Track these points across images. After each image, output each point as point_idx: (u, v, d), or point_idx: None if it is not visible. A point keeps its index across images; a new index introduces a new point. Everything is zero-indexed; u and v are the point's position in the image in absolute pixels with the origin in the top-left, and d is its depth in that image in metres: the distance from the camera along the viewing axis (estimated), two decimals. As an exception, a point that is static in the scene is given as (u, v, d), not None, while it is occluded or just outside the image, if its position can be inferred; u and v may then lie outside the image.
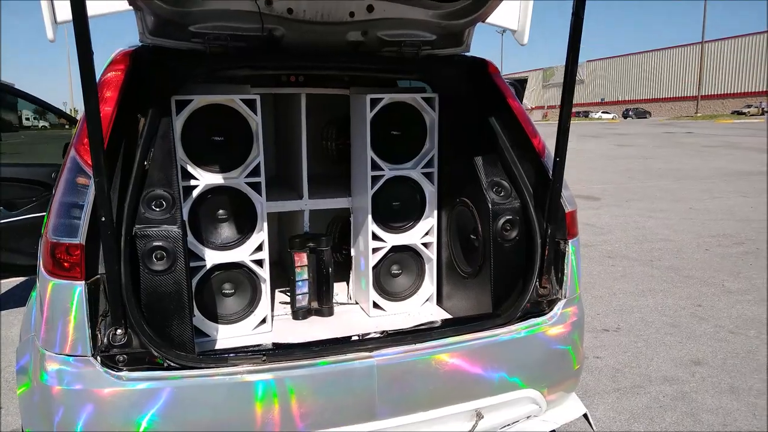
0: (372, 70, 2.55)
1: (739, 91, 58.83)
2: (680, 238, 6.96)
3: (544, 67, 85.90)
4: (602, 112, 70.26)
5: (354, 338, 2.03)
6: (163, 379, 1.79)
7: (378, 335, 2.05)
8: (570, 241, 2.29)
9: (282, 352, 1.91)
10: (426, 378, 2.00)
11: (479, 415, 2.09)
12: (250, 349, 1.96)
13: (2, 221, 3.67)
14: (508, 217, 2.31)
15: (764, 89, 54.70)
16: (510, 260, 2.32)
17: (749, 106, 51.67)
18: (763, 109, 49.24)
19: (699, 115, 54.41)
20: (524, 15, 2.68)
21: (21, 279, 4.63)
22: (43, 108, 4.16)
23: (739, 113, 51.14)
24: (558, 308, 2.25)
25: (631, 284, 5.16)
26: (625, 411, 3.01)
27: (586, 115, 71.76)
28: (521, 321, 2.19)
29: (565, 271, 2.27)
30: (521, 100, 4.47)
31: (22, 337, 2.11)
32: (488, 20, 2.50)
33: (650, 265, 5.76)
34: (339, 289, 3.05)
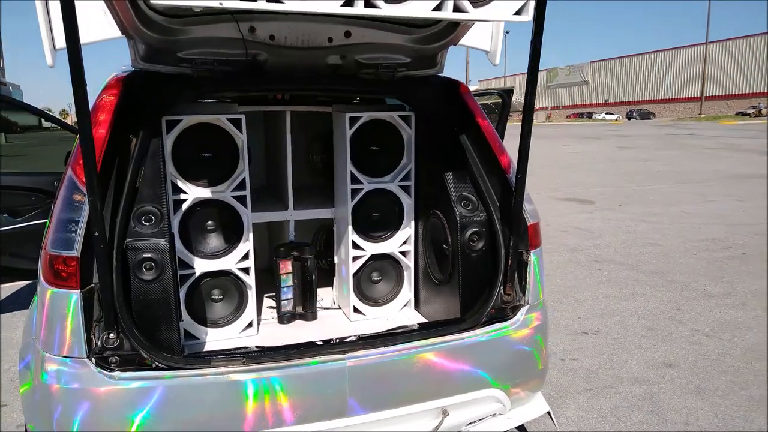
0: (350, 91, 2.72)
1: (743, 92, 58.74)
2: (669, 242, 7.10)
3: (547, 68, 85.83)
4: (606, 113, 70.23)
5: (329, 342, 2.21)
6: (152, 379, 1.96)
7: (351, 339, 2.22)
8: (532, 251, 2.46)
9: (260, 354, 2.08)
10: (394, 378, 2.17)
11: (445, 413, 2.26)
12: (232, 351, 2.14)
13: (6, 228, 3.86)
14: (474, 229, 2.48)
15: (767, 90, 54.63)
16: (477, 269, 2.49)
17: (754, 107, 51.64)
18: (761, 110, 49.18)
19: (703, 116, 54.37)
20: (496, 37, 2.86)
21: (24, 282, 4.82)
22: (42, 118, 4.33)
23: (744, 114, 51.12)
24: (521, 314, 2.42)
25: (615, 288, 5.32)
26: (594, 410, 3.17)
27: (589, 116, 71.73)
28: (486, 325, 2.36)
29: (528, 280, 2.43)
30: (509, 111, 4.65)
31: (24, 340, 2.29)
32: (461, 42, 2.68)
33: (636, 270, 5.91)
34: (324, 294, 3.23)
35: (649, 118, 63.01)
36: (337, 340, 2.20)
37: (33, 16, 2.29)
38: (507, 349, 2.39)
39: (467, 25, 2.44)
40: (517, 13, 1.79)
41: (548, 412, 2.55)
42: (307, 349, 2.13)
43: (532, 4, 1.78)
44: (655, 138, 28.23)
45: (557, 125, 60.08)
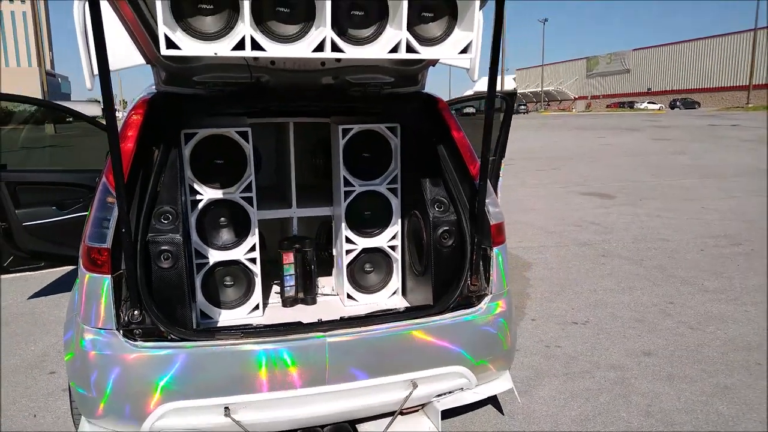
0: (342, 107, 3.12)
1: (794, 81, 56.60)
2: (679, 238, 7.27)
3: (588, 56, 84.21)
4: (648, 103, 68.61)
5: (314, 322, 2.62)
6: (168, 348, 2.41)
7: (333, 320, 2.63)
8: (496, 247, 2.81)
9: (255, 331, 2.51)
10: (369, 354, 2.56)
11: (414, 385, 2.65)
12: (234, 327, 2.57)
13: (55, 219, 4.40)
14: (445, 228, 2.85)
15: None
16: (447, 263, 2.87)
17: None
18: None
19: (750, 105, 52.68)
20: (475, 54, 3.19)
21: (70, 267, 5.39)
22: (77, 118, 4.78)
23: (793, 104, 49.31)
24: (485, 302, 2.78)
25: (614, 282, 5.58)
26: (566, 392, 3.50)
27: (631, 105, 70.19)
28: (454, 311, 2.73)
29: (492, 272, 2.79)
30: (512, 113, 4.97)
31: (67, 316, 2.77)
32: (443, 61, 3.03)
33: (639, 264, 6.15)
34: (326, 283, 3.65)
35: (694, 108, 61.37)
36: (321, 321, 2.61)
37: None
38: (473, 331, 2.76)
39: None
40: (463, 51, 2.14)
41: (512, 389, 2.92)
42: (295, 327, 2.55)
43: (474, 44, 2.13)
44: (693, 129, 27.71)
45: (596, 115, 59.12)
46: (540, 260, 6.40)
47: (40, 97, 40.21)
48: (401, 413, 2.77)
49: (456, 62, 3.18)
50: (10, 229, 4.26)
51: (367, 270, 3.37)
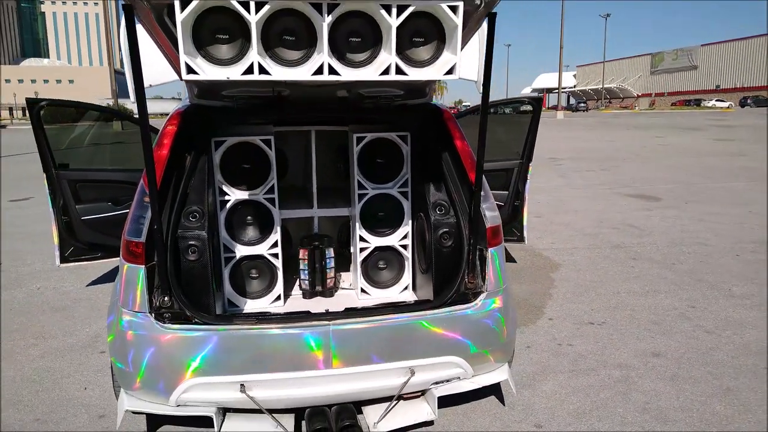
0: (358, 117, 3.41)
1: None
2: (717, 242, 7.20)
3: (651, 52, 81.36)
4: (716, 101, 65.85)
5: (320, 312, 2.92)
6: (195, 330, 2.76)
7: (337, 311, 2.93)
8: (492, 248, 3.03)
9: (268, 318, 2.84)
10: (370, 342, 2.84)
11: (411, 372, 2.91)
12: (251, 314, 2.91)
13: (110, 214, 4.89)
14: (445, 230, 3.10)
15: None
16: (447, 262, 3.11)
17: None
18: None
19: (828, 104, 49.74)
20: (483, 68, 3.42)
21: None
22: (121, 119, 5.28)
23: None
24: (481, 298, 3.01)
25: (640, 285, 5.65)
26: (569, 387, 3.68)
27: (698, 103, 67.51)
28: (452, 306, 2.98)
29: (487, 271, 3.02)
30: (539, 117, 5.16)
31: (111, 301, 3.18)
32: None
33: (669, 268, 6.17)
34: (345, 277, 3.96)
35: (767, 106, 58.41)
36: (327, 311, 2.92)
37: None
38: (469, 324, 3.00)
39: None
40: (448, 72, 2.39)
41: (507, 380, 3.14)
42: (303, 316, 2.86)
43: (458, 66, 2.37)
44: (760, 130, 26.55)
45: (659, 113, 57.18)
46: (569, 261, 6.50)
47: (109, 94, 42.66)
48: (403, 398, 3.04)
49: (466, 75, 3.42)
50: (71, 223, 4.77)
51: (381, 267, 3.65)
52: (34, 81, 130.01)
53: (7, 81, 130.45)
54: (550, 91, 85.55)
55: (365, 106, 3.26)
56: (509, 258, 6.65)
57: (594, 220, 8.70)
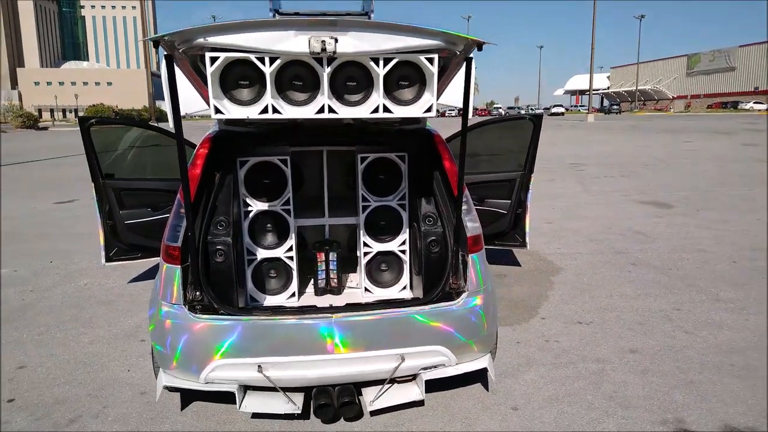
0: (363, 139, 3.96)
1: None
2: (718, 250, 7.53)
3: (689, 53, 79.98)
4: (754, 103, 64.52)
5: (325, 306, 3.47)
6: (220, 320, 3.33)
7: (339, 306, 3.48)
8: (473, 254, 3.54)
9: (279, 310, 3.40)
10: (366, 332, 3.37)
11: (402, 358, 3.43)
12: (266, 307, 3.48)
13: (149, 218, 5.53)
14: (432, 238, 3.62)
15: None
16: (434, 265, 3.63)
17: None
18: None
19: None
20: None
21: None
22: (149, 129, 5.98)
23: None
24: (463, 297, 3.52)
25: (633, 289, 6.06)
26: (548, 377, 4.15)
27: (734, 105, 66.25)
28: (437, 303, 3.49)
29: (469, 274, 3.53)
30: (539, 134, 5.66)
31: (151, 296, 3.78)
32: (440, 101, 3.80)
33: (665, 274, 6.55)
34: (354, 278, 4.51)
35: (804, 109, 57.04)
36: (330, 306, 3.47)
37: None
38: (453, 319, 3.50)
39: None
40: (427, 110, 2.91)
41: (486, 368, 3.63)
42: (310, 309, 3.41)
43: (434, 106, 2.89)
44: (791, 134, 26.23)
45: (693, 116, 56.35)
46: (571, 266, 6.93)
47: (146, 95, 44.12)
48: (397, 381, 3.57)
49: (453, 103, 3.95)
50: (116, 227, 5.43)
51: (382, 269, 4.19)
52: (74, 83, 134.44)
53: (49, 83, 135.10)
54: (583, 92, 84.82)
55: (369, 130, 3.82)
56: (514, 262, 7.12)
57: (603, 226, 9.07)
